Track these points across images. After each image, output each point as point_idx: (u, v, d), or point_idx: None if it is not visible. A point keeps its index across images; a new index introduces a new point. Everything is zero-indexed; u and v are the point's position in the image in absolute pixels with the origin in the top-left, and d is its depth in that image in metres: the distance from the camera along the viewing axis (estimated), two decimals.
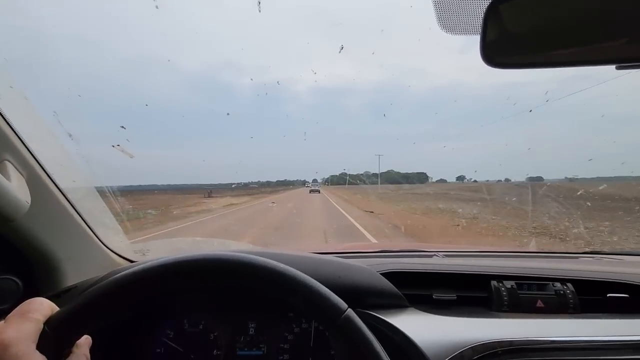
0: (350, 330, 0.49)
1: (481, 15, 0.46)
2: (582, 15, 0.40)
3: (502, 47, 0.46)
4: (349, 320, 0.49)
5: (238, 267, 0.51)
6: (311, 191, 30.26)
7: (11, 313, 0.45)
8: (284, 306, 0.81)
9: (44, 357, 0.41)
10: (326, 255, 0.88)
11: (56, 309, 0.47)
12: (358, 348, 0.49)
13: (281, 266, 0.52)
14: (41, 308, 0.45)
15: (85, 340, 0.50)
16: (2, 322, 0.43)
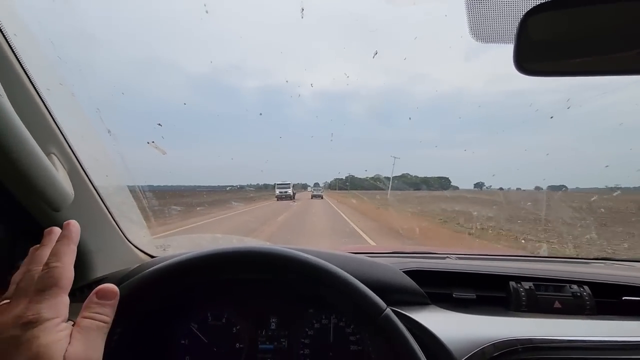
0: (390, 330, 0.51)
1: (514, 24, 0.49)
2: (615, 23, 0.42)
3: (535, 56, 0.49)
4: (388, 319, 0.52)
5: (283, 261, 0.54)
6: (313, 196, 28.17)
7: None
8: (305, 302, 0.83)
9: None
10: (353, 254, 0.90)
11: None
12: (397, 347, 0.51)
13: (326, 264, 0.54)
14: (71, 282, 0.43)
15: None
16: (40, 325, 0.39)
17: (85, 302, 0.43)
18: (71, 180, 0.70)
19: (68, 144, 0.70)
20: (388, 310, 0.52)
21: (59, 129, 0.68)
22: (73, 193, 0.66)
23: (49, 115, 0.65)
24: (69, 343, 0.38)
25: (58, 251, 0.45)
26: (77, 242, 0.48)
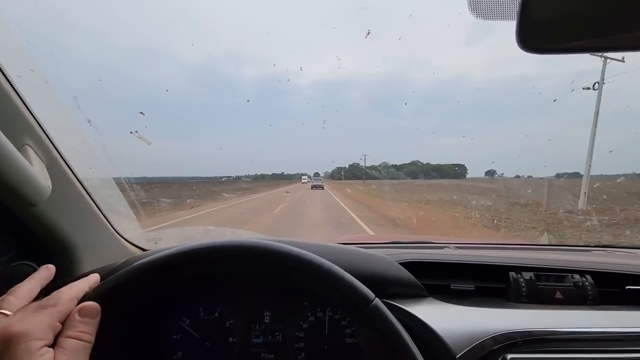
0: (378, 320, 0.49)
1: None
2: None
3: (539, 32, 0.45)
4: (376, 309, 0.50)
5: (267, 254, 0.52)
6: (313, 187, 27.43)
7: (28, 305, 0.43)
8: (299, 295, 0.81)
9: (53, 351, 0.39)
10: (346, 245, 0.87)
11: (81, 295, 0.47)
12: (385, 337, 0.49)
13: (309, 254, 0.52)
14: (59, 302, 0.43)
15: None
16: (17, 313, 0.41)
17: (68, 320, 0.42)
18: (50, 173, 0.67)
19: (46, 134, 0.67)
20: (377, 301, 0.50)
21: (35, 118, 0.64)
22: (50, 186, 0.63)
23: (22, 104, 0.61)
24: None
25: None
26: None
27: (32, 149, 0.63)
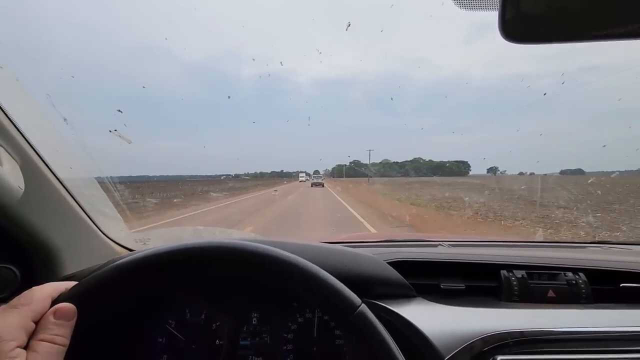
0: (364, 326, 0.48)
1: None
2: None
3: (523, 21, 0.44)
4: (362, 316, 0.48)
5: (249, 256, 0.50)
6: (313, 184, 27.19)
7: (1, 306, 0.42)
8: (287, 296, 0.80)
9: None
10: (333, 244, 0.86)
11: (56, 295, 0.46)
12: (371, 344, 0.48)
13: (293, 258, 0.51)
14: (31, 301, 0.42)
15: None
16: None
17: (42, 321, 0.41)
18: (27, 173, 0.65)
19: (21, 133, 0.65)
20: (362, 307, 0.49)
21: (7, 115, 0.62)
22: (23, 187, 0.61)
23: None
24: None
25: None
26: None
27: (4, 148, 0.61)
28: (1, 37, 0.65)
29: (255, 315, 0.80)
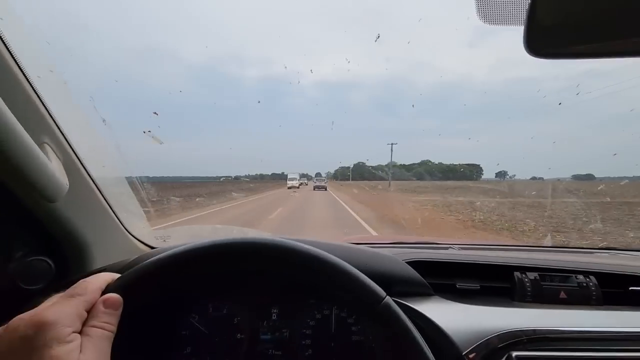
0: (390, 317, 0.51)
1: (525, 3, 0.46)
2: (632, 1, 0.40)
3: (547, 37, 0.46)
4: (388, 307, 0.51)
5: (284, 251, 0.53)
6: (315, 187, 26.63)
7: (59, 294, 0.45)
8: (306, 293, 0.82)
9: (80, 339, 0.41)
10: (354, 245, 0.89)
11: (104, 287, 0.49)
12: (396, 334, 0.50)
13: (323, 253, 0.53)
14: (86, 292, 0.45)
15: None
16: (47, 302, 0.44)
17: (93, 309, 0.45)
18: (66, 171, 0.69)
19: (62, 133, 0.69)
20: (388, 299, 0.52)
21: (52, 118, 0.66)
22: (68, 184, 0.65)
23: (41, 104, 0.63)
24: (80, 352, 0.40)
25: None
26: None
27: (51, 147, 0.65)
28: (54, 42, 0.69)
29: (275, 311, 0.83)
